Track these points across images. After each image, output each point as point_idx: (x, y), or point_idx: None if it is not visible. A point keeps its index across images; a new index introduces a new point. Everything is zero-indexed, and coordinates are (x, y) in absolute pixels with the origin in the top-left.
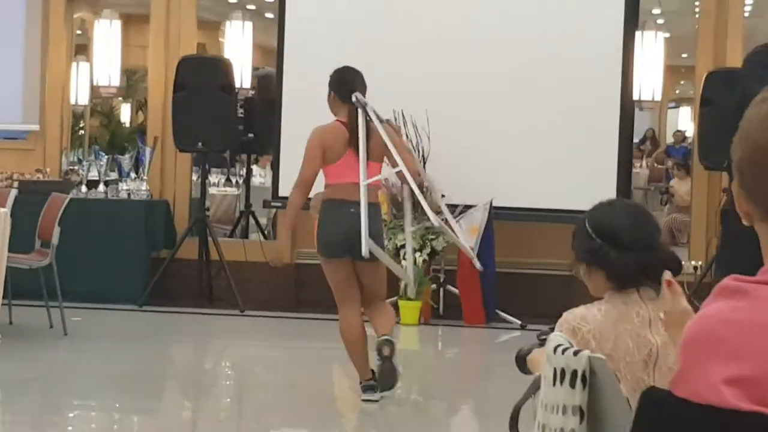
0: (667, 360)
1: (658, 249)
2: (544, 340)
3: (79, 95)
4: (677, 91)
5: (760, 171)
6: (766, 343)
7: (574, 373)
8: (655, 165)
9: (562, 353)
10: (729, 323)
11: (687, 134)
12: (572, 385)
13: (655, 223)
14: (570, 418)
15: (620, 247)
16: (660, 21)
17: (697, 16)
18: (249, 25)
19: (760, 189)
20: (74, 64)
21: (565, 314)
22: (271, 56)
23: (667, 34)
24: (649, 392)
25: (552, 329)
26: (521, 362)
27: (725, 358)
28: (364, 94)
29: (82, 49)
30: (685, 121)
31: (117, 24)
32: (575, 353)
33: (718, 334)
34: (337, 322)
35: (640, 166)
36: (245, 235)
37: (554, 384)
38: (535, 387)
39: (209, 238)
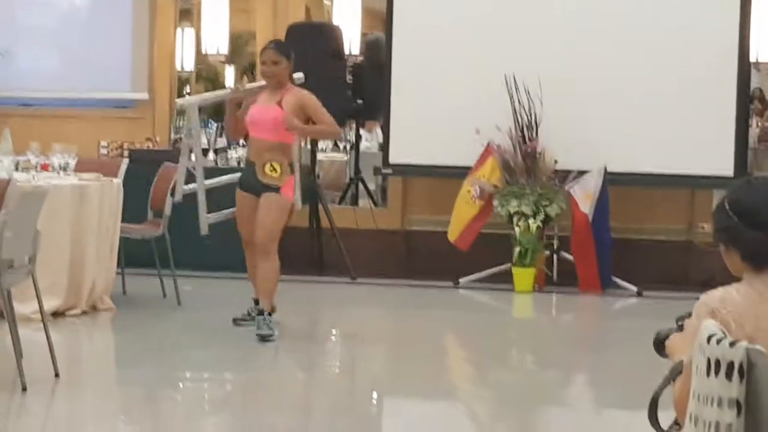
0: None
1: None
2: (682, 325)
3: (185, 61)
4: None
5: None
6: None
7: (731, 364)
8: (766, 125)
9: (717, 343)
10: None
11: None
12: (728, 377)
13: None
14: (726, 411)
15: (757, 226)
16: None
17: None
18: None
19: None
20: (179, 30)
21: (702, 296)
22: (376, 20)
23: None
24: None
25: (690, 314)
26: (659, 346)
27: None
28: None
29: (185, 15)
30: None
31: None
32: (731, 344)
33: None
34: (449, 289)
35: (749, 127)
36: (355, 201)
37: (708, 375)
38: (674, 374)
39: (319, 206)
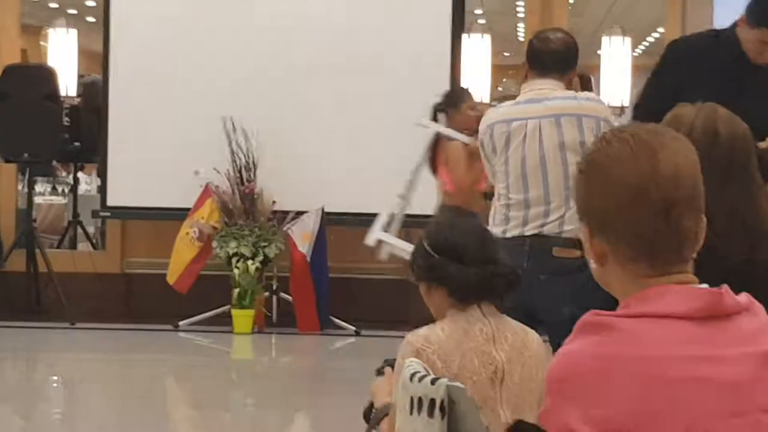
0: (513, 376)
1: (498, 263)
2: (382, 372)
3: None
4: (500, 89)
5: (631, 210)
6: (634, 377)
7: (432, 402)
8: None
9: (419, 381)
10: (596, 358)
11: None
12: (430, 414)
13: (494, 238)
14: None
15: (461, 260)
16: (482, 21)
17: (519, 15)
18: (74, 32)
19: (632, 228)
20: None
21: (408, 336)
22: (95, 61)
23: (489, 36)
24: (518, 427)
25: (389, 362)
26: (367, 417)
27: (594, 394)
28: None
29: None
30: None
31: None
32: (433, 381)
33: (586, 369)
34: (169, 332)
35: None
36: (73, 245)
37: (411, 413)
38: (378, 417)
39: (37, 250)
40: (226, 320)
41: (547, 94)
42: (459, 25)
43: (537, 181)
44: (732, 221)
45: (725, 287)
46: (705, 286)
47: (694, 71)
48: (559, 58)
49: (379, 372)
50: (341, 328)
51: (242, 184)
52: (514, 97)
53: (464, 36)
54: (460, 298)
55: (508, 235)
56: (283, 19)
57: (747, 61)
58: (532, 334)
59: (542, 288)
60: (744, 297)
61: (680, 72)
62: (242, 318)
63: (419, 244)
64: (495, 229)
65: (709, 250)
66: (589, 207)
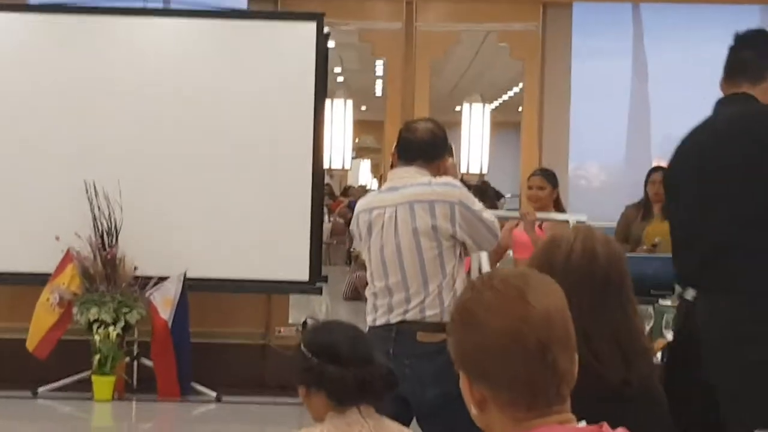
0: None
1: (375, 364)
2: None
3: None
4: (357, 140)
5: (508, 356)
6: None
7: None
8: (338, 219)
9: None
10: None
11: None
12: None
13: (370, 339)
14: None
15: (339, 363)
16: (341, 79)
17: (377, 74)
18: None
19: (511, 372)
20: None
21: None
22: None
23: (351, 101)
24: None
25: None
26: None
27: None
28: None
29: None
30: (366, 172)
31: None
32: None
33: None
34: (28, 400)
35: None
36: None
37: None
38: None
39: None
40: (86, 386)
41: (405, 182)
42: (322, 90)
43: (395, 268)
44: (610, 343)
45: (604, 425)
46: (583, 423)
47: None
48: (424, 147)
49: None
50: (202, 394)
51: (104, 249)
52: (374, 150)
53: (327, 101)
54: (339, 400)
55: (378, 323)
56: (147, 84)
57: None
58: None
59: (408, 372)
60: None
61: None
62: (102, 384)
63: (296, 347)
64: (368, 317)
65: (589, 371)
66: (467, 356)
